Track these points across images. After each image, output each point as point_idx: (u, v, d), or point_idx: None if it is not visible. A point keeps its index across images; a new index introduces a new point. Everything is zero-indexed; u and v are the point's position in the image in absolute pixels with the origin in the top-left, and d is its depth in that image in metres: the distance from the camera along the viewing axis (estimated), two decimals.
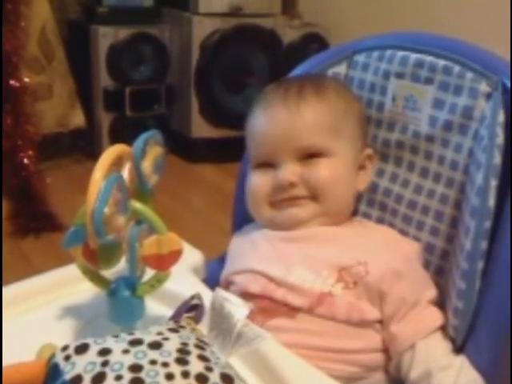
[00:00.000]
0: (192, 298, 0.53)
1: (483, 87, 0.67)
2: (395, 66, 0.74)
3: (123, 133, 2.38)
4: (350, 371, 0.64)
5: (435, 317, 0.66)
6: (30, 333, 0.63)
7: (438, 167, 0.71)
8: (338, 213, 0.72)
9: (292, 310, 0.65)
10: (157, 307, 0.66)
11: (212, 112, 2.51)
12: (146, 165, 0.62)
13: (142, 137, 0.62)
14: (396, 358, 0.65)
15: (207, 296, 0.59)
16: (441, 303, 0.69)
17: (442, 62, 0.71)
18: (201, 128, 2.52)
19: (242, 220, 0.81)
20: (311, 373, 0.57)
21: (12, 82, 1.87)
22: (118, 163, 0.61)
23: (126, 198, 0.57)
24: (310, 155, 0.70)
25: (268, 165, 0.72)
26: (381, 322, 0.66)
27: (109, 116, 2.48)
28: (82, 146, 2.46)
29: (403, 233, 0.74)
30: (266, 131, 0.72)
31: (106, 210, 0.53)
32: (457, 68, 0.69)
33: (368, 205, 0.78)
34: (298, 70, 0.82)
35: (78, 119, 2.45)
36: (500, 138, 0.63)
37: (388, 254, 0.67)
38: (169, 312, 0.60)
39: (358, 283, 0.65)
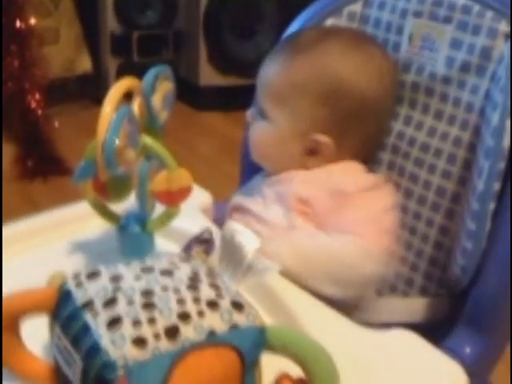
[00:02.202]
0: (203, 232, 0.53)
1: (503, 27, 0.66)
2: (413, 4, 0.72)
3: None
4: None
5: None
6: (38, 267, 0.63)
7: (453, 109, 0.70)
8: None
9: None
10: (166, 244, 0.66)
11: (220, 59, 2.47)
12: (156, 100, 0.62)
13: (152, 71, 0.61)
14: None
15: (216, 234, 0.59)
16: (449, 247, 0.70)
17: (461, 1, 0.69)
18: (209, 75, 2.48)
19: (250, 168, 0.81)
20: (316, 306, 0.58)
21: (18, 23, 1.85)
22: (127, 99, 0.60)
23: (136, 131, 0.56)
24: (260, 112, 0.74)
25: None
26: None
27: (116, 61, 2.45)
28: (89, 92, 2.44)
29: (415, 176, 0.73)
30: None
31: (117, 141, 0.53)
32: (476, 7, 0.67)
33: (380, 148, 0.77)
34: (312, 7, 0.80)
35: (84, 64, 2.43)
36: None
37: (328, 195, 0.68)
38: (178, 249, 0.61)
39: (311, 216, 0.68)
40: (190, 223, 0.66)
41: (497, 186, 0.61)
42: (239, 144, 0.86)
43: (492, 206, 0.62)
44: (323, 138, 0.70)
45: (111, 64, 2.45)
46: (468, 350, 0.61)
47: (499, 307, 0.62)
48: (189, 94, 2.47)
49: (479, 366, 0.62)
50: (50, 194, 1.79)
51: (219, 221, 0.77)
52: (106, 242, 0.69)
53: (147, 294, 0.42)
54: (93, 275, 0.44)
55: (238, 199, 0.77)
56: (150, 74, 0.61)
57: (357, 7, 0.77)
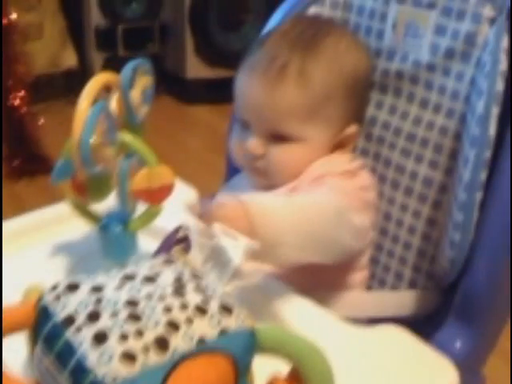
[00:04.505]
0: (177, 230, 0.52)
1: (487, 11, 0.64)
2: None
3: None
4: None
5: None
6: (19, 271, 0.61)
7: (439, 97, 0.69)
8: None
9: None
10: (149, 244, 0.65)
11: (208, 51, 2.45)
12: (135, 95, 0.60)
13: (130, 65, 0.60)
14: None
15: (201, 231, 0.58)
16: (437, 239, 0.69)
17: None
18: (196, 68, 2.46)
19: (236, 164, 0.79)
20: (303, 304, 0.58)
21: None
22: (105, 94, 0.59)
23: (113, 128, 0.55)
24: (278, 137, 0.68)
25: (246, 124, 0.71)
26: None
27: (101, 55, 2.42)
28: (75, 88, 2.41)
29: (401, 167, 0.72)
30: (243, 97, 0.71)
31: (93, 139, 0.51)
32: None
33: (366, 139, 0.76)
34: None
35: (70, 59, 2.40)
36: (503, 65, 0.61)
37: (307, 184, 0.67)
38: None
39: None
40: (174, 222, 0.65)
41: (483, 175, 0.60)
42: (227, 138, 0.85)
43: (479, 195, 0.61)
44: (353, 128, 0.71)
45: (97, 58, 2.42)
46: (458, 343, 0.61)
47: (489, 299, 0.61)
48: (176, 87, 2.45)
49: (470, 360, 0.61)
50: (36, 194, 1.77)
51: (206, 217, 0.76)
52: (88, 243, 0.67)
53: (131, 304, 0.39)
54: (72, 287, 0.42)
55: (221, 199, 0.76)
56: (128, 67, 0.60)
57: None
